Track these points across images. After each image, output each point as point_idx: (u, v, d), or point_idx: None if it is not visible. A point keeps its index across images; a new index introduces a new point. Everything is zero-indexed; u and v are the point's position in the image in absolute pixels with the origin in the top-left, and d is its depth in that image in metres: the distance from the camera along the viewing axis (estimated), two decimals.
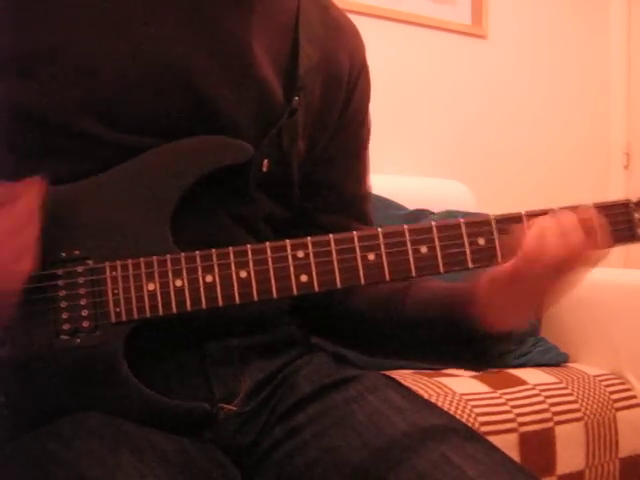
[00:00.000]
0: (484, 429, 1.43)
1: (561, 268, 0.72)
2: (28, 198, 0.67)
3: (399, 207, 1.93)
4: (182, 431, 0.73)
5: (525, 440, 1.48)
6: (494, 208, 0.82)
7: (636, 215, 0.75)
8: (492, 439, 0.76)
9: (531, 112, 2.61)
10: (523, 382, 1.61)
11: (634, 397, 1.69)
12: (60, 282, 0.70)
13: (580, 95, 2.75)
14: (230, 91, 0.77)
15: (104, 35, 0.74)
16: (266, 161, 0.79)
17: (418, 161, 2.35)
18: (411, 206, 1.92)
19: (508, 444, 1.44)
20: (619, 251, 2.75)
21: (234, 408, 0.78)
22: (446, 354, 0.86)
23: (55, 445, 0.64)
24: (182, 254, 0.71)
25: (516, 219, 0.74)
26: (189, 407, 0.74)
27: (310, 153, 0.85)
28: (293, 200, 0.86)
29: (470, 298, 0.77)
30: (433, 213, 1.91)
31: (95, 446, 0.64)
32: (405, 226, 0.73)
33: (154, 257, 0.71)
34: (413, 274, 0.73)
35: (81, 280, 0.70)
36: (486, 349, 0.79)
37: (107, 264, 0.71)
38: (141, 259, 0.71)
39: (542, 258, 0.71)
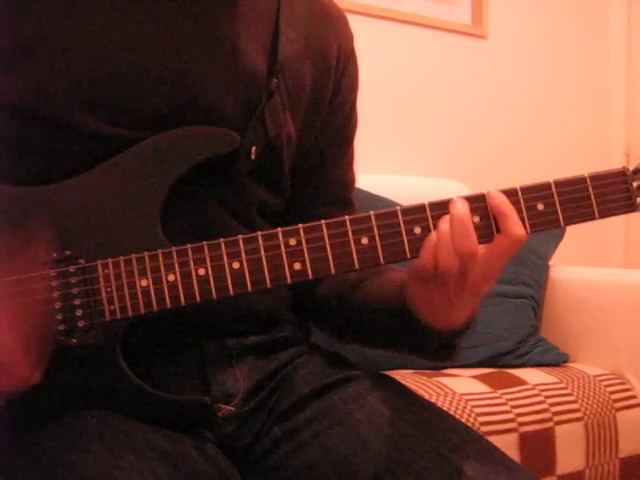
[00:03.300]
0: (484, 429, 1.42)
1: (460, 275, 0.69)
2: None
3: None
4: (181, 428, 0.73)
5: (525, 440, 1.48)
6: None
7: (635, 184, 0.73)
8: (492, 439, 0.76)
9: (531, 112, 2.61)
10: (523, 382, 1.60)
11: (634, 397, 1.68)
12: (53, 283, 0.69)
13: (580, 95, 2.74)
14: (218, 80, 0.77)
15: (93, 31, 0.74)
16: (254, 148, 0.78)
17: (418, 161, 2.35)
18: None
19: (508, 444, 1.44)
20: (619, 251, 2.74)
21: (233, 408, 0.78)
22: (394, 344, 0.84)
23: (55, 445, 0.64)
24: (173, 248, 0.70)
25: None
26: (187, 401, 0.74)
27: (304, 140, 0.85)
28: (285, 187, 0.85)
29: (404, 289, 0.76)
30: None
31: (95, 446, 0.64)
32: (398, 208, 0.71)
33: (145, 253, 0.70)
34: (408, 256, 0.71)
35: (74, 280, 0.70)
36: (424, 342, 0.77)
37: (99, 262, 0.70)
38: (132, 255, 0.70)
39: (437, 273, 0.69)
